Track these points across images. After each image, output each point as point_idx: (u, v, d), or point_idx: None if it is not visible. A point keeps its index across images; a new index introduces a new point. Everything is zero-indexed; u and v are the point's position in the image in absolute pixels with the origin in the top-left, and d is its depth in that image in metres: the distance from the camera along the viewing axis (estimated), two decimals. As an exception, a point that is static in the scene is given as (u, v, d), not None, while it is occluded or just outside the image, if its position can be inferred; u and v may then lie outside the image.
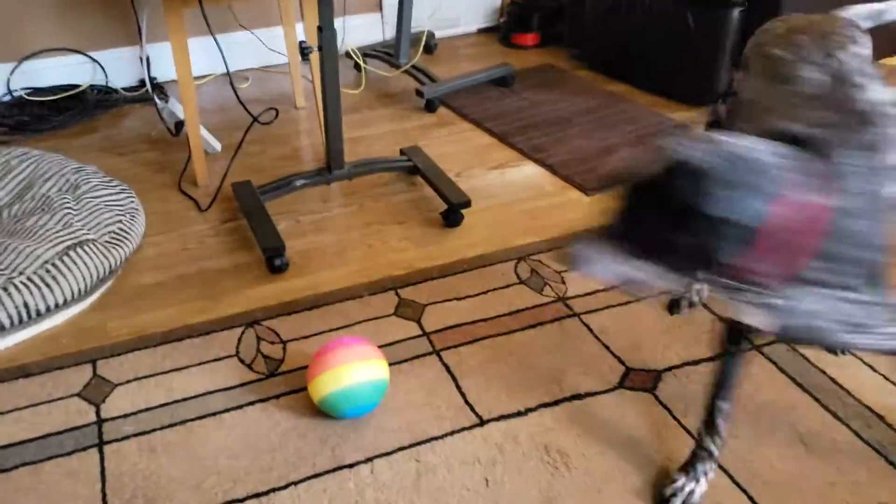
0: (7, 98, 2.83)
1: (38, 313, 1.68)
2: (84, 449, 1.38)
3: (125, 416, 1.46)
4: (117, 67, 2.95)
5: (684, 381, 1.51)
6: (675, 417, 1.43)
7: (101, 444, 1.39)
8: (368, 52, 3.11)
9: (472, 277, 1.83)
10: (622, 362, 1.56)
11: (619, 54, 2.88)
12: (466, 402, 1.47)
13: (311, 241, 2.00)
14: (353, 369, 1.37)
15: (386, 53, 3.06)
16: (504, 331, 1.65)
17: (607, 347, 1.60)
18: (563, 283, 1.79)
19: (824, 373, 1.52)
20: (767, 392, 1.48)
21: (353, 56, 3.05)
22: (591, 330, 1.65)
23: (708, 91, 2.59)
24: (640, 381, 1.52)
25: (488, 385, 1.51)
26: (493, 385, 1.51)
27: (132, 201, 2.05)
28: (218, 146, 2.45)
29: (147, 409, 1.47)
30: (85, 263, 1.76)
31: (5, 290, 1.66)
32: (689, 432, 1.40)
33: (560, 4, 3.25)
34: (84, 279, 1.75)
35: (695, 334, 1.63)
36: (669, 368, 1.55)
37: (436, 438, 1.39)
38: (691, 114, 2.62)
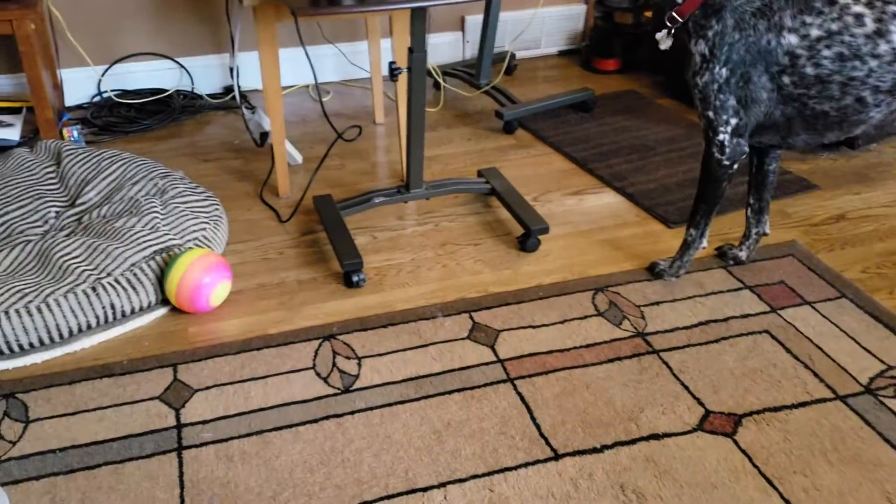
0: (97, 99, 2.92)
1: (124, 314, 1.73)
2: (164, 453, 1.41)
3: (204, 422, 1.48)
4: (203, 74, 3.02)
5: (765, 428, 1.47)
6: (754, 465, 1.39)
7: (180, 449, 1.42)
8: (448, 71, 3.12)
9: (547, 305, 1.81)
10: (702, 404, 1.53)
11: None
12: (541, 434, 1.46)
13: (387, 257, 2.01)
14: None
15: (466, 73, 3.07)
16: (580, 363, 1.63)
17: (686, 388, 1.57)
18: (643, 317, 1.77)
19: (915, 430, 1.46)
20: (852, 446, 1.43)
21: (434, 74, 3.07)
22: (670, 368, 1.62)
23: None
24: (720, 424, 1.48)
25: (563, 418, 1.49)
26: (568, 419, 1.49)
27: (216, 209, 2.09)
28: (300, 158, 2.49)
29: (225, 417, 1.49)
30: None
31: (94, 290, 1.71)
32: (768, 481, 1.36)
33: (643, 30, 3.23)
34: (168, 283, 1.79)
35: (777, 379, 1.59)
36: (750, 413, 1.51)
37: (509, 469, 1.38)
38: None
